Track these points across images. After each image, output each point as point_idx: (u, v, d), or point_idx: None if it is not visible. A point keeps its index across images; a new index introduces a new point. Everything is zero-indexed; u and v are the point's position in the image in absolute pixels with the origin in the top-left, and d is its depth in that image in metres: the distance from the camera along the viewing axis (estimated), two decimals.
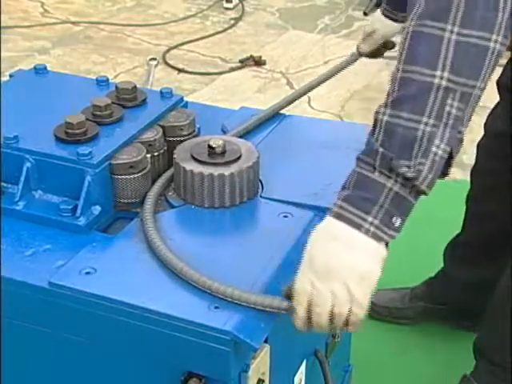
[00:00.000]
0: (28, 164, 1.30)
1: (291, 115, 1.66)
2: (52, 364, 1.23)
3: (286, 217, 1.30)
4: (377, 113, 1.07)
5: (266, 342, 1.15)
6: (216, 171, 1.29)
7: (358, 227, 1.03)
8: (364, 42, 1.97)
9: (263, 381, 1.17)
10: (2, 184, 1.32)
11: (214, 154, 1.32)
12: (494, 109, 2.03)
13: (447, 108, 1.01)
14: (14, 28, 4.43)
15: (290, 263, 1.20)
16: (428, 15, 1.01)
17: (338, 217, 1.05)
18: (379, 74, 3.91)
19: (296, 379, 1.42)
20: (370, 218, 1.03)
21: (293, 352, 1.38)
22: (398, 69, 1.05)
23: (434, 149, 1.02)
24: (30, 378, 1.27)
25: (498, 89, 1.97)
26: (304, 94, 1.77)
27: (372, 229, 1.03)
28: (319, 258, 1.05)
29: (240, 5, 4.80)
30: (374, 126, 1.06)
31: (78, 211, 1.27)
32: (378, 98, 3.85)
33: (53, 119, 1.35)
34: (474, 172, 2.10)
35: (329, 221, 1.06)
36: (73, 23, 4.56)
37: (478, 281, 2.12)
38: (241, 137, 1.49)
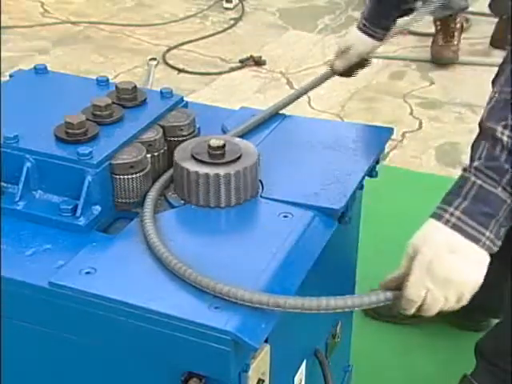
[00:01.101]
0: (28, 164, 1.30)
1: (291, 115, 1.66)
2: (52, 364, 1.23)
3: (286, 217, 1.30)
4: (493, 130, 1.11)
5: (266, 341, 1.15)
6: (216, 171, 1.29)
7: (477, 241, 1.10)
8: (338, 58, 1.85)
9: (263, 381, 1.17)
10: (2, 184, 1.32)
11: (214, 154, 1.32)
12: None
13: None
14: (13, 28, 4.43)
15: (291, 263, 1.20)
16: None
17: (459, 230, 1.11)
18: (379, 74, 3.91)
19: (296, 379, 1.42)
20: (487, 233, 1.10)
21: (293, 352, 1.38)
22: None
23: None
24: (30, 378, 1.27)
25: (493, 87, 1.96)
26: (306, 92, 1.77)
27: (487, 242, 1.11)
28: (439, 269, 1.12)
29: (240, 5, 4.80)
30: (494, 144, 1.11)
31: (78, 211, 1.27)
32: (378, 98, 3.87)
33: (53, 119, 1.35)
34: None
35: (447, 233, 1.12)
36: (73, 23, 4.56)
37: (489, 280, 2.11)
38: (241, 137, 1.49)
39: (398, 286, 1.18)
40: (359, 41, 1.82)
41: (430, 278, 1.13)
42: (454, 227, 1.11)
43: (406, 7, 1.81)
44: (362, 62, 1.87)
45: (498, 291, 2.18)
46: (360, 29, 1.83)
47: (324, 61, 4.08)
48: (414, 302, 1.16)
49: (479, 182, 1.10)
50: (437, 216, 1.15)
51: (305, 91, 1.78)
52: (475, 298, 2.24)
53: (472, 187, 1.11)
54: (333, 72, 1.86)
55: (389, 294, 1.16)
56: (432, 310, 1.18)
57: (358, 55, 1.83)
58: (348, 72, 1.87)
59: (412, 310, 1.18)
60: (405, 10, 1.82)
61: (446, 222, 1.12)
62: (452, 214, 1.12)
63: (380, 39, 1.82)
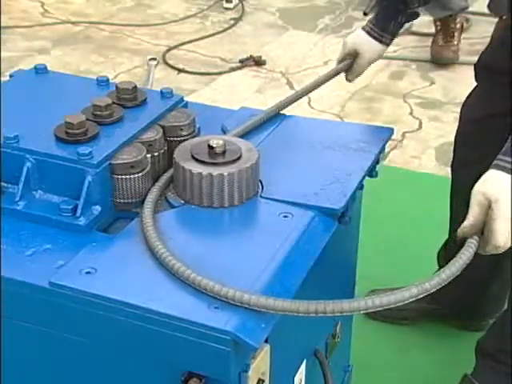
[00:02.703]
0: (28, 164, 1.30)
1: (291, 115, 1.66)
2: (52, 364, 1.23)
3: (286, 217, 1.30)
4: None
5: (266, 341, 1.15)
6: (216, 171, 1.29)
7: None
8: (350, 71, 1.83)
9: (263, 381, 1.17)
10: (2, 184, 1.32)
11: (213, 154, 1.32)
12: (468, 97, 1.99)
13: None
14: (13, 28, 4.43)
15: (291, 263, 1.20)
16: None
17: None
18: (379, 74, 3.91)
19: (296, 379, 1.42)
20: None
21: (293, 352, 1.39)
22: None
23: None
24: (30, 378, 1.27)
25: (476, 73, 1.94)
26: (306, 93, 1.76)
27: None
28: None
29: (240, 5, 4.80)
30: None
31: (79, 211, 1.27)
32: (378, 98, 3.87)
33: (53, 119, 1.35)
34: (454, 167, 2.08)
35: None
36: (73, 23, 4.56)
37: (477, 280, 2.12)
38: (241, 137, 1.49)
39: (477, 232, 1.30)
40: (368, 45, 1.80)
41: (505, 219, 1.26)
42: None
43: (412, 11, 1.81)
44: None
45: (488, 290, 2.19)
46: (368, 32, 1.81)
47: (324, 61, 4.09)
48: (502, 248, 1.29)
49: None
50: (505, 169, 1.30)
51: (305, 92, 1.77)
52: (474, 298, 2.24)
53: None
54: (348, 80, 1.87)
55: (474, 242, 1.26)
56: (507, 247, 1.30)
57: (368, 62, 1.82)
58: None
59: (494, 252, 1.31)
60: (411, 15, 1.81)
61: None
62: None
63: (387, 44, 1.82)
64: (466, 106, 2.00)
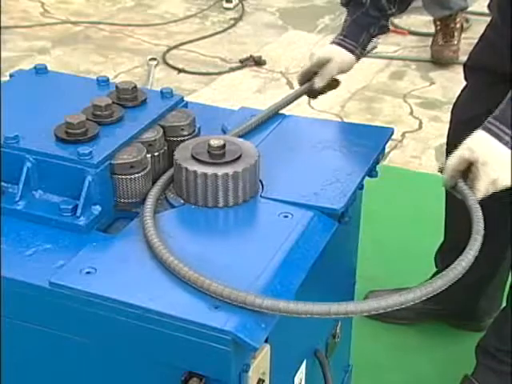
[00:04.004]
0: (28, 164, 1.30)
1: (291, 115, 1.66)
2: (52, 364, 1.23)
3: (286, 217, 1.30)
4: None
5: (266, 341, 1.15)
6: (216, 171, 1.29)
7: None
8: (318, 75, 1.75)
9: (263, 381, 1.17)
10: (2, 184, 1.32)
11: (214, 154, 1.32)
12: (458, 97, 1.99)
13: None
14: (13, 28, 4.43)
15: (291, 263, 1.20)
16: None
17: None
18: (379, 74, 3.91)
19: (296, 379, 1.42)
20: None
21: (293, 352, 1.39)
22: None
23: None
24: (30, 378, 1.27)
25: (466, 73, 1.93)
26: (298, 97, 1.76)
27: None
28: (503, 183, 1.41)
29: (240, 5, 4.80)
30: None
31: (79, 211, 1.27)
32: (378, 97, 3.86)
33: (53, 119, 1.35)
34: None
35: (509, 154, 1.40)
36: (73, 23, 4.56)
37: (475, 280, 2.12)
38: (241, 137, 1.49)
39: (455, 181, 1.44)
40: (339, 54, 1.75)
41: (494, 188, 1.39)
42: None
43: (382, 24, 1.79)
44: (334, 83, 1.80)
45: (485, 291, 2.19)
46: (339, 44, 1.77)
47: None
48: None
49: None
50: (498, 137, 1.39)
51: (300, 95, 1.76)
52: (474, 298, 2.24)
53: None
54: (311, 91, 1.77)
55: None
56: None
57: (339, 68, 1.76)
58: (315, 92, 1.79)
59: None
60: (381, 27, 1.80)
61: (506, 144, 1.38)
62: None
63: (357, 56, 1.77)
64: (456, 106, 2.00)
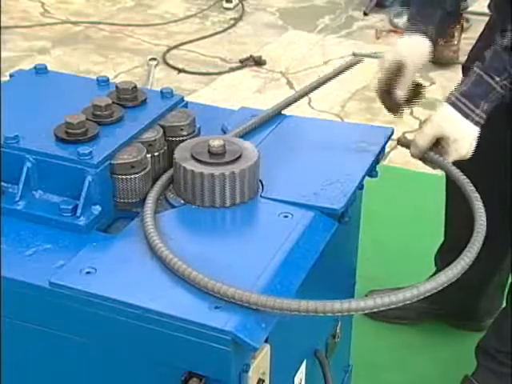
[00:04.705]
0: (28, 164, 1.29)
1: (291, 115, 1.66)
2: (52, 364, 1.23)
3: (286, 217, 1.30)
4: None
5: (266, 341, 1.15)
6: (216, 171, 1.29)
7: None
8: (399, 85, 1.54)
9: (263, 381, 1.17)
10: (2, 184, 1.32)
11: (214, 154, 1.32)
12: None
13: None
14: (13, 28, 4.43)
15: (291, 263, 1.20)
16: None
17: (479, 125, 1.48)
18: (379, 74, 3.90)
19: (296, 379, 1.42)
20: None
21: (293, 352, 1.38)
22: None
23: None
24: (30, 378, 1.27)
25: (464, 73, 1.90)
26: (305, 95, 1.75)
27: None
28: (467, 154, 1.51)
29: (240, 5, 4.80)
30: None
31: (79, 211, 1.26)
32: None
33: (53, 119, 1.35)
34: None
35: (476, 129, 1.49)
36: (73, 23, 4.56)
37: (475, 280, 2.12)
38: (241, 137, 1.49)
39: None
40: (410, 50, 1.55)
41: (458, 156, 1.49)
42: (478, 124, 1.48)
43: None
44: (417, 88, 1.57)
45: (485, 291, 2.19)
46: (409, 29, 1.58)
47: (324, 61, 4.09)
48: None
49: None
50: (466, 115, 1.47)
51: (305, 93, 1.75)
52: (465, 299, 2.24)
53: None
54: (392, 106, 1.56)
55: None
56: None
57: (414, 68, 1.54)
58: (398, 107, 1.56)
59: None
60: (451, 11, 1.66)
61: (476, 123, 1.47)
62: (477, 115, 1.46)
63: (431, 39, 1.58)
64: None
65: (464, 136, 1.48)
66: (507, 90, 1.48)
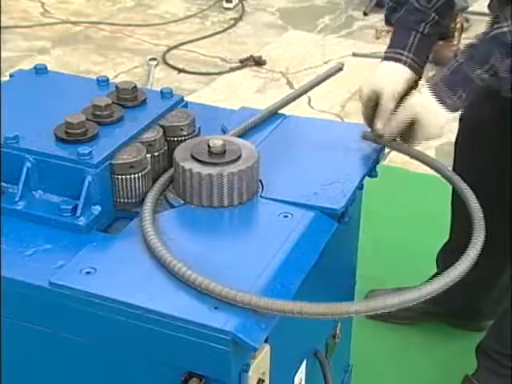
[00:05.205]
0: (28, 164, 1.29)
1: (291, 115, 1.66)
2: (52, 364, 1.23)
3: (286, 217, 1.30)
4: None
5: (266, 341, 1.15)
6: (216, 171, 1.29)
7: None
8: (377, 117, 1.51)
9: (263, 381, 1.17)
10: (2, 184, 1.32)
11: (213, 154, 1.32)
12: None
13: None
14: (13, 28, 4.43)
15: (291, 263, 1.20)
16: None
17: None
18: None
19: (296, 379, 1.42)
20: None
21: (293, 352, 1.38)
22: None
23: None
24: (30, 378, 1.27)
25: None
26: (304, 93, 1.75)
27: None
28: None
29: (240, 5, 4.80)
30: None
31: (78, 211, 1.26)
32: None
33: (53, 119, 1.35)
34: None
35: (430, 96, 1.47)
36: (73, 23, 4.57)
37: (475, 281, 2.12)
38: (241, 137, 1.49)
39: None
40: (387, 76, 1.52)
41: (425, 140, 1.51)
42: (453, 110, 1.49)
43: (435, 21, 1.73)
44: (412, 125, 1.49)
45: (491, 293, 2.19)
46: (385, 58, 1.55)
47: (324, 61, 4.09)
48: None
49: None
50: (441, 100, 1.45)
51: (304, 91, 1.75)
52: (474, 298, 2.24)
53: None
54: (378, 137, 1.50)
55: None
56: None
57: (392, 96, 1.49)
58: (381, 137, 1.50)
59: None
60: (436, 27, 1.73)
61: (447, 107, 1.46)
62: (454, 102, 1.46)
63: (409, 64, 1.55)
64: (465, 114, 1.99)
65: (436, 120, 1.47)
66: (490, 81, 1.45)
